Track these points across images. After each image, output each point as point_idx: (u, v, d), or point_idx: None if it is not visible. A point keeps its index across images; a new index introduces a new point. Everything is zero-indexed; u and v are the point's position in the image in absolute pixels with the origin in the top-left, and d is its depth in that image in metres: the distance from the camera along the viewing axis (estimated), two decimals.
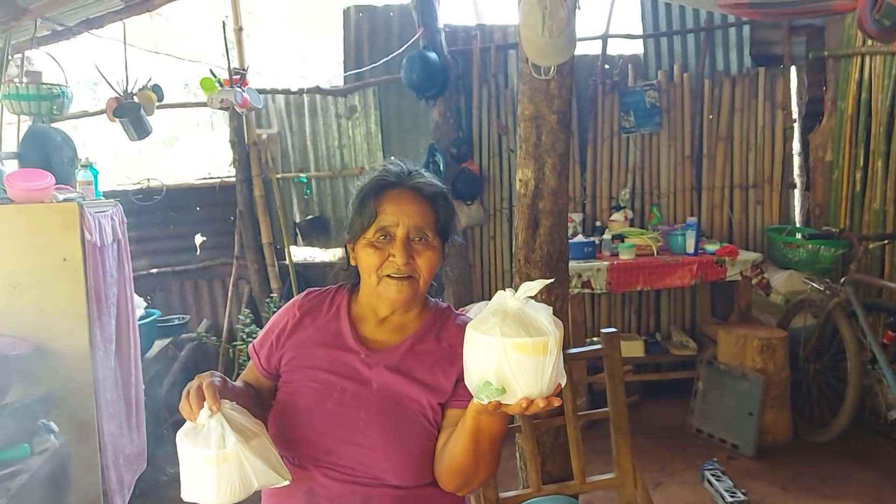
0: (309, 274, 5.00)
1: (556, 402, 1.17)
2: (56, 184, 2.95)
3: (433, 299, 1.61)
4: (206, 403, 1.26)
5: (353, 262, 1.54)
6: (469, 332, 1.19)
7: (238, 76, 4.16)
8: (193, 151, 8.59)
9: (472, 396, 1.45)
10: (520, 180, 2.52)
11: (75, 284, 2.81)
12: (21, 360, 2.65)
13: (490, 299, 1.49)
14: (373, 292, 1.49)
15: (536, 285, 1.17)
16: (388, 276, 1.45)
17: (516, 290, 1.20)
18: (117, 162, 8.07)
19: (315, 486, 1.43)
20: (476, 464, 1.35)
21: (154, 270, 4.84)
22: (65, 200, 2.84)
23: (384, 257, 1.45)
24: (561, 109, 2.42)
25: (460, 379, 1.45)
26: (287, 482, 1.30)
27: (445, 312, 1.58)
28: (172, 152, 8.60)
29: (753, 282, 4.27)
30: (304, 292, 1.63)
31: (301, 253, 5.07)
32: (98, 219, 2.98)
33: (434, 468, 1.44)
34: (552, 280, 1.24)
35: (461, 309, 1.95)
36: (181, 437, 1.28)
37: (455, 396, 1.46)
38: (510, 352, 1.12)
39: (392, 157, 1.60)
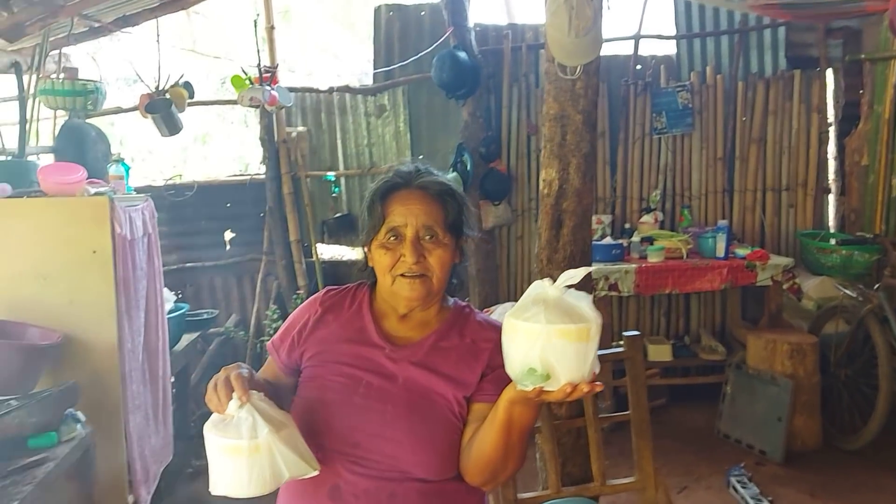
0: (335, 271, 5.02)
1: (599, 387, 1.18)
2: (90, 178, 3.00)
3: (452, 298, 1.62)
4: (234, 394, 1.27)
5: (370, 263, 1.56)
6: (510, 321, 1.19)
7: (268, 74, 4.20)
8: (227, 149, 8.69)
9: (496, 391, 1.46)
10: (543, 180, 2.50)
11: (104, 277, 2.84)
12: (50, 350, 2.69)
13: (517, 300, 1.50)
14: (388, 291, 1.51)
15: (578, 273, 1.18)
16: (402, 275, 1.47)
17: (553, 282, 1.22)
18: (153, 158, 8.22)
19: (341, 482, 1.43)
20: (505, 456, 1.35)
21: (185, 265, 4.90)
22: (96, 194, 2.88)
23: (396, 257, 1.47)
24: (586, 109, 2.40)
25: (485, 373, 1.49)
26: (316, 472, 1.31)
27: (465, 310, 1.60)
28: (206, 149, 8.71)
29: (785, 287, 4.20)
30: (324, 289, 1.65)
31: (328, 250, 5.10)
32: (129, 213, 3.02)
33: (460, 462, 1.44)
34: (593, 268, 1.23)
35: (486, 309, 1.95)
36: (209, 428, 1.28)
37: (480, 391, 1.47)
38: (554, 338, 1.14)
39: (402, 159, 1.61)
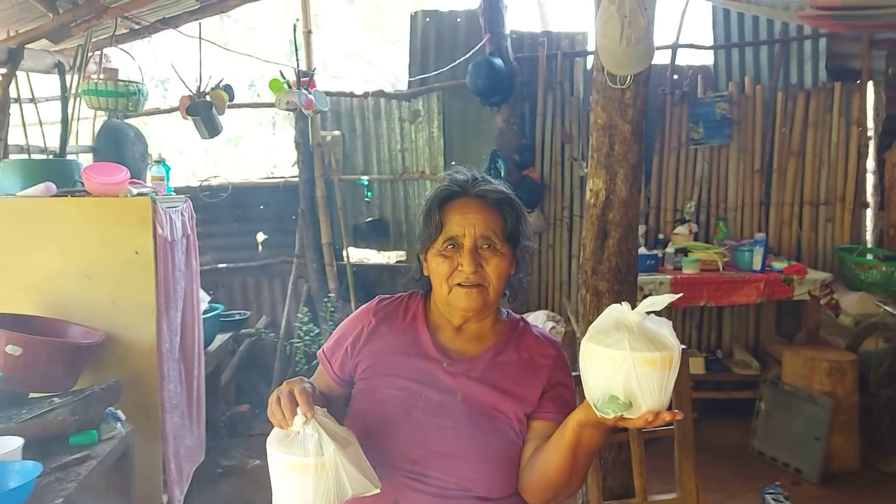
0: (366, 275, 5.03)
1: (680, 415, 1.18)
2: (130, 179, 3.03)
3: (505, 310, 1.60)
4: (299, 409, 1.25)
5: (425, 272, 1.54)
6: (590, 346, 1.18)
7: (306, 78, 4.21)
8: (255, 151, 8.75)
9: (557, 409, 1.44)
10: (590, 190, 2.48)
11: (146, 277, 2.86)
12: (92, 349, 2.71)
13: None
14: (444, 301, 1.49)
15: (661, 301, 1.17)
16: (458, 284, 1.45)
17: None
18: (183, 159, 8.29)
19: (401, 498, 1.40)
20: (569, 478, 1.34)
21: (217, 266, 4.93)
22: (138, 195, 2.90)
23: (453, 266, 1.45)
24: (635, 119, 2.38)
25: (546, 391, 1.46)
26: (378, 490, 1.29)
27: (520, 324, 1.57)
28: (236, 152, 8.77)
29: (822, 302, 4.13)
30: (377, 299, 1.62)
31: (359, 254, 5.11)
32: (169, 214, 3.04)
33: (520, 480, 1.42)
34: (679, 295, 1.22)
35: None
36: (273, 444, 1.25)
37: (541, 409, 1.45)
38: (639, 366, 1.13)
39: (458, 166, 1.59)
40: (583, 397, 1.24)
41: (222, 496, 3.71)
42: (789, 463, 3.86)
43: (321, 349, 1.62)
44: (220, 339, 4.15)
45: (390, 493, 1.39)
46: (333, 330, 4.54)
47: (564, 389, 1.49)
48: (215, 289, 4.87)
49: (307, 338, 4.60)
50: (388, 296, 1.62)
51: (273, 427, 1.30)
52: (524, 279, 1.57)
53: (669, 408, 1.17)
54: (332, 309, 4.67)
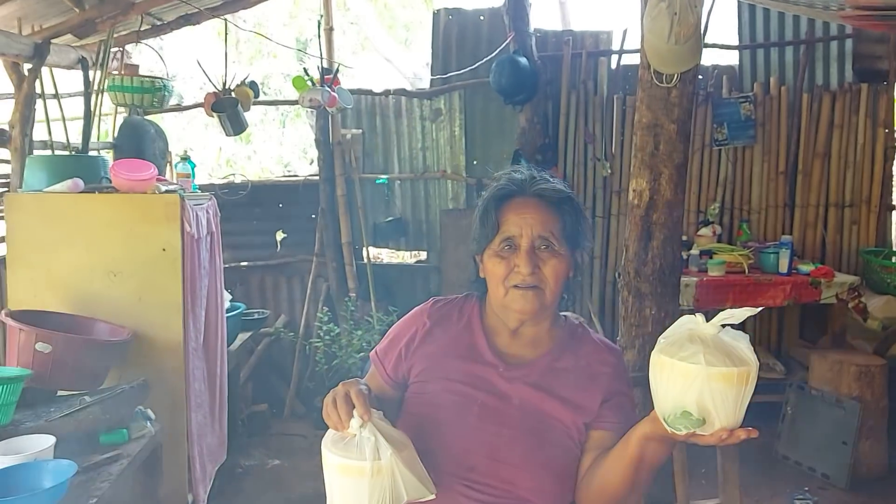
0: (386, 275, 5.00)
1: (755, 433, 1.12)
2: None
3: (562, 315, 1.55)
4: (355, 412, 1.22)
5: (481, 274, 1.50)
6: (662, 359, 1.14)
7: (329, 75, 4.18)
8: (266, 148, 8.73)
9: (616, 419, 1.40)
10: (633, 190, 2.44)
11: (173, 275, 2.84)
12: (119, 346, 2.69)
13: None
14: (500, 303, 1.45)
15: (739, 314, 1.13)
16: (515, 286, 1.41)
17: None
18: (195, 156, 8.27)
19: None
20: (630, 492, 1.30)
21: (237, 264, 4.90)
22: (167, 192, 2.88)
23: (510, 267, 1.41)
24: (681, 119, 2.34)
25: (605, 399, 1.42)
26: (433, 496, 1.25)
27: (579, 329, 1.53)
28: (248, 149, 8.75)
29: (850, 305, 4.08)
30: (431, 301, 1.58)
31: (372, 253, 5.08)
32: (195, 211, 3.02)
33: (577, 491, 1.39)
34: (760, 309, 1.18)
35: None
36: (329, 446, 1.23)
37: (601, 418, 1.41)
38: (714, 382, 1.08)
39: (521, 165, 1.55)
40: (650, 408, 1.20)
41: (243, 496, 3.68)
42: (815, 468, 3.80)
43: (373, 350, 1.59)
44: (241, 337, 4.13)
45: (445, 500, 1.35)
46: (353, 330, 4.50)
47: (624, 398, 1.45)
48: (233, 287, 4.84)
49: (327, 338, 4.57)
50: (443, 297, 1.59)
51: (328, 428, 1.27)
52: (582, 283, 1.54)
53: (743, 425, 1.14)
54: (353, 308, 4.63)
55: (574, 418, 1.40)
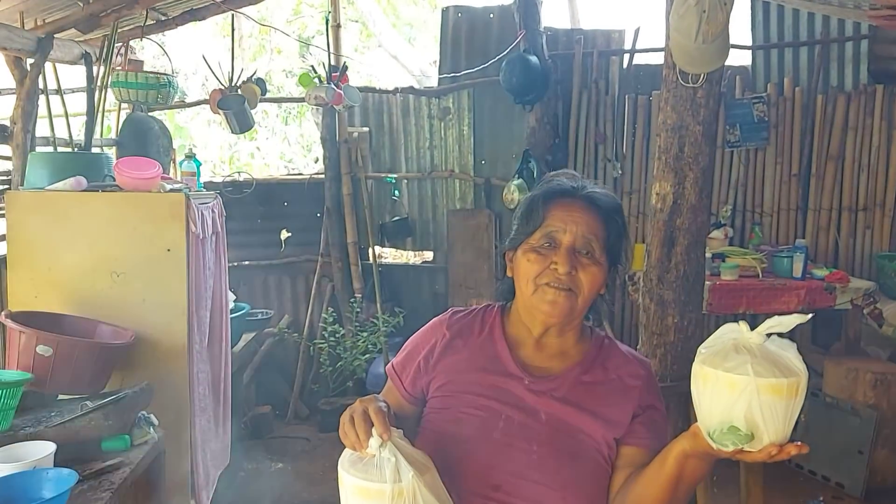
0: (392, 275, 4.93)
1: (806, 448, 1.05)
2: None
3: (588, 326, 1.48)
4: (374, 431, 1.14)
5: (509, 273, 1.43)
6: (706, 370, 1.07)
7: (336, 73, 4.11)
8: (269, 146, 8.66)
9: (649, 435, 1.33)
10: (656, 194, 2.36)
11: (177, 276, 2.77)
12: (122, 349, 2.62)
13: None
14: (527, 303, 1.37)
15: (789, 321, 1.05)
16: (547, 283, 1.33)
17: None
18: (199, 154, 8.20)
19: None
20: None
21: (241, 263, 4.83)
22: (171, 191, 2.81)
23: (546, 265, 1.33)
24: (707, 120, 2.26)
25: (637, 414, 1.34)
26: None
27: (606, 341, 1.45)
28: (251, 146, 8.67)
29: (865, 311, 4.01)
30: (450, 311, 1.51)
31: (385, 254, 5.01)
32: (201, 210, 2.95)
33: None
34: (810, 316, 1.11)
35: None
36: (346, 467, 1.15)
37: (632, 434, 1.33)
38: (763, 394, 1.01)
39: (567, 170, 1.49)
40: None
41: (246, 500, 3.62)
42: (830, 477, 3.74)
43: (390, 364, 1.51)
44: (245, 338, 4.06)
45: None
46: (358, 331, 4.44)
47: (656, 413, 1.38)
48: (236, 287, 4.77)
49: (331, 339, 4.50)
50: (462, 308, 1.51)
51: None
52: (609, 303, 1.46)
53: (792, 440, 1.06)
54: (358, 309, 4.56)
55: (604, 434, 1.32)
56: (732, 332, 1.10)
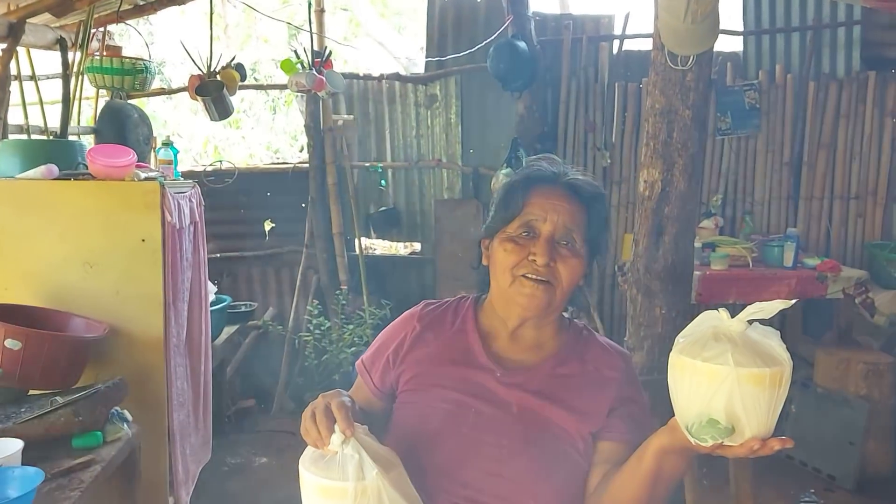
0: (378, 267, 4.85)
1: (790, 443, 1.00)
2: None
3: (567, 318, 1.42)
4: (337, 427, 1.08)
5: (485, 262, 1.36)
6: (684, 360, 1.00)
7: (319, 58, 4.02)
8: (254, 134, 8.56)
9: (627, 429, 1.27)
10: (644, 181, 2.29)
11: (153, 267, 2.69)
12: (95, 343, 2.54)
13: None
14: (503, 294, 1.31)
15: (771, 307, 0.98)
16: (525, 275, 1.27)
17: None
18: (182, 142, 8.08)
19: None
20: None
21: (222, 254, 4.75)
22: (146, 179, 2.72)
23: (524, 255, 1.27)
24: (696, 104, 2.19)
25: (614, 408, 1.29)
26: None
27: (584, 332, 1.40)
28: (236, 135, 8.57)
29: (857, 301, 3.96)
30: (422, 304, 1.45)
31: (374, 245, 4.93)
32: (178, 200, 2.86)
33: None
34: (794, 301, 1.04)
35: None
36: (307, 465, 1.09)
37: (609, 428, 1.27)
38: (744, 385, 0.95)
39: (548, 155, 1.42)
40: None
41: (229, 496, 3.55)
42: (821, 468, 3.69)
43: (359, 359, 1.45)
44: (227, 331, 3.98)
45: None
46: (344, 323, 4.34)
47: (635, 407, 1.32)
48: (219, 278, 4.69)
49: (317, 331, 4.42)
50: (434, 300, 1.46)
51: (307, 446, 1.14)
52: (589, 295, 1.40)
53: (778, 432, 1.00)
54: (344, 302, 4.48)
55: (579, 427, 1.27)
56: (712, 320, 1.04)
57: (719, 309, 1.05)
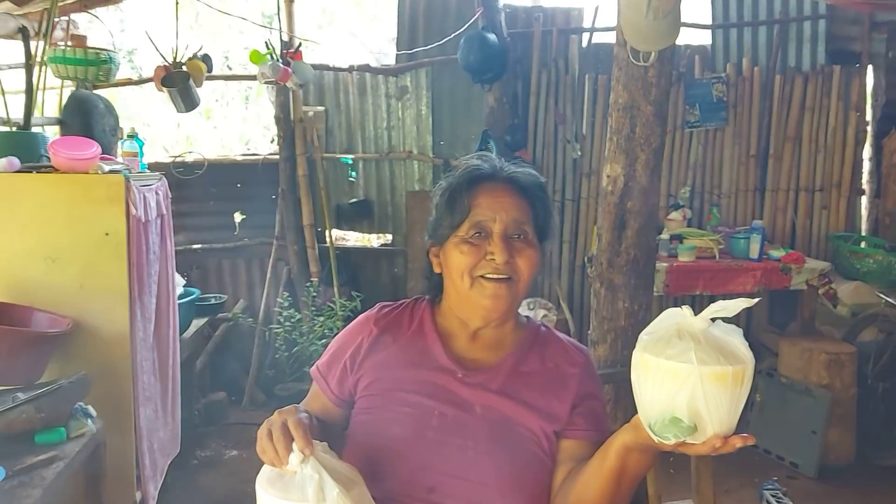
0: (350, 258, 4.84)
1: (752, 440, 1.01)
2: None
3: (524, 315, 1.43)
4: (295, 445, 1.06)
5: (436, 269, 1.35)
6: (647, 358, 1.01)
7: (290, 50, 3.99)
8: (227, 125, 8.47)
9: (589, 426, 1.28)
10: (607, 176, 2.31)
11: (117, 261, 2.66)
12: (58, 338, 2.50)
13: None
14: (464, 299, 1.30)
15: (733, 306, 1.00)
16: (484, 276, 1.26)
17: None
18: (152, 133, 7.98)
19: None
20: None
21: (191, 247, 4.70)
22: (110, 172, 2.69)
23: (480, 256, 1.27)
24: (658, 100, 2.21)
25: (575, 405, 1.29)
26: None
27: (542, 329, 1.40)
28: (207, 125, 8.47)
29: (820, 292, 4.03)
30: (377, 306, 1.43)
31: (336, 236, 4.92)
32: (143, 193, 2.83)
33: None
34: (757, 300, 1.06)
35: None
36: (264, 486, 1.06)
37: (572, 426, 1.28)
38: (707, 383, 0.96)
39: (482, 151, 1.43)
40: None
41: (199, 489, 3.54)
42: (784, 456, 3.77)
43: (314, 366, 1.42)
44: (197, 324, 3.95)
45: None
46: (315, 315, 4.31)
47: (595, 402, 1.33)
48: (189, 271, 4.65)
49: (287, 324, 4.41)
50: (390, 303, 1.44)
51: (263, 464, 1.10)
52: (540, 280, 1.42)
53: (743, 424, 1.02)
54: (314, 294, 4.47)
55: (543, 426, 1.27)
56: (675, 317, 1.05)
57: (682, 306, 1.06)
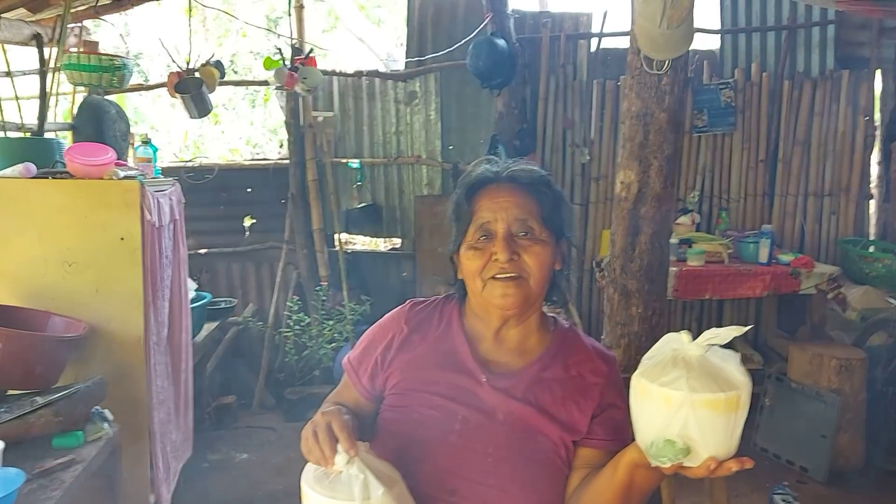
0: (359, 262, 4.86)
1: (750, 463, 1.03)
2: None
3: (552, 317, 1.43)
4: (340, 446, 1.09)
5: (459, 276, 1.38)
6: (642, 384, 1.04)
7: (299, 56, 4.01)
8: (234, 130, 8.50)
9: (607, 435, 1.29)
10: (621, 182, 2.33)
11: (132, 265, 2.68)
12: (75, 342, 2.53)
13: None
14: (480, 301, 1.33)
15: (726, 334, 1.02)
16: (493, 277, 1.29)
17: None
18: (160, 137, 8.01)
19: None
20: None
21: (201, 251, 4.73)
22: (125, 178, 2.71)
23: (486, 258, 1.29)
24: (672, 107, 2.22)
25: (596, 414, 1.30)
26: None
27: (570, 334, 1.40)
28: (215, 130, 8.50)
29: (830, 296, 4.04)
30: (409, 304, 1.45)
31: (352, 240, 4.94)
32: (157, 198, 2.86)
33: None
34: (749, 327, 1.08)
35: None
36: (310, 483, 1.10)
37: (591, 434, 1.29)
38: (699, 409, 0.99)
39: (489, 155, 1.44)
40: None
41: (210, 492, 3.55)
42: (794, 461, 3.77)
43: (346, 359, 1.44)
44: (207, 328, 3.98)
45: None
46: (324, 319, 4.33)
47: (616, 412, 1.34)
48: (199, 275, 4.67)
49: (297, 328, 4.43)
50: (422, 300, 1.46)
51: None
52: (571, 279, 1.43)
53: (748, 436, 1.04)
54: (324, 297, 4.49)
55: (563, 436, 1.28)
56: (673, 343, 1.08)
57: (682, 331, 1.08)
